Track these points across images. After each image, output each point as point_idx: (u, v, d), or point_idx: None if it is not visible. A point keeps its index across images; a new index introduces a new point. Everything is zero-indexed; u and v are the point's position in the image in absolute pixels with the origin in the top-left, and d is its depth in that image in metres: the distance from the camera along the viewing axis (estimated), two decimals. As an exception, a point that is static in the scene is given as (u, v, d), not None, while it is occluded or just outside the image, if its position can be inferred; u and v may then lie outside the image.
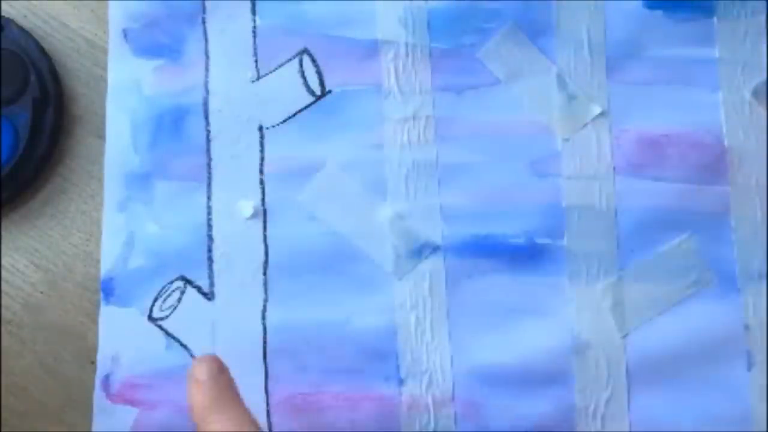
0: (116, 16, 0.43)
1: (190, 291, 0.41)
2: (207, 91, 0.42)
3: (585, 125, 0.42)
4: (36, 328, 0.42)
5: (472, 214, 0.41)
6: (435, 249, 0.41)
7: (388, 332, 0.40)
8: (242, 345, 0.40)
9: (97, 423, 0.40)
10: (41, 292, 0.42)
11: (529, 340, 0.40)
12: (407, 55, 0.43)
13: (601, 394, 0.40)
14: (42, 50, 0.42)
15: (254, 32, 0.43)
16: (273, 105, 0.42)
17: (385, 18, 0.43)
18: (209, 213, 0.41)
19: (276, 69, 0.43)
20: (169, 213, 0.42)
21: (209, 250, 0.41)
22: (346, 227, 0.41)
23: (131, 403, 0.40)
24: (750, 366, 0.40)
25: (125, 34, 0.43)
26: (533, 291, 0.41)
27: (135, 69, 0.43)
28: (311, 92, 0.42)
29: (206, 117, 0.42)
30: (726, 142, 0.42)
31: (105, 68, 0.43)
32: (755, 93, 0.42)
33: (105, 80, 0.43)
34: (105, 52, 0.43)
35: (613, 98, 0.42)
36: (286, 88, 0.42)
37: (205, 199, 0.42)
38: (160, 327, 0.41)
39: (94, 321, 0.41)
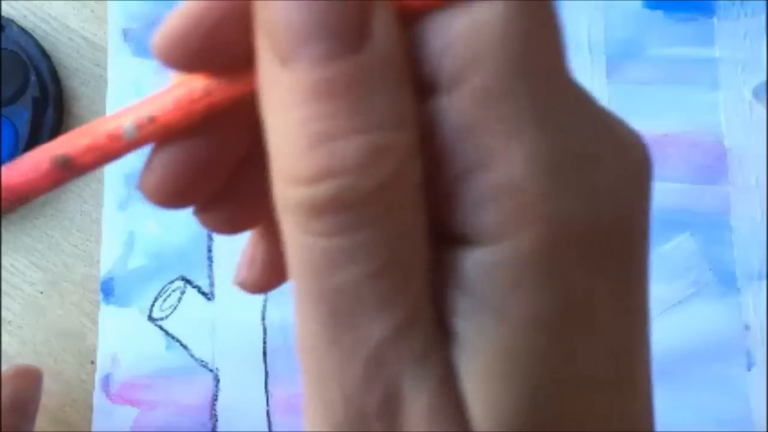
0: (116, 16, 0.43)
1: (190, 291, 0.41)
2: (207, 91, 0.42)
3: (585, 125, 0.42)
4: (36, 328, 0.41)
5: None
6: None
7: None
8: (242, 345, 0.40)
9: (97, 423, 0.40)
10: (41, 292, 0.42)
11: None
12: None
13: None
14: (42, 50, 0.42)
15: (254, 32, 0.43)
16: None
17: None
18: (209, 213, 0.41)
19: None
20: (169, 213, 0.41)
21: (209, 250, 0.41)
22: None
23: (131, 403, 0.40)
24: (750, 366, 0.40)
25: (125, 34, 0.43)
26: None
27: (135, 69, 0.43)
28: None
29: (206, 117, 0.42)
30: (726, 142, 0.42)
31: (105, 68, 0.43)
32: (755, 93, 0.42)
33: (105, 80, 0.43)
34: (105, 52, 0.43)
35: (613, 98, 0.42)
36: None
37: (205, 199, 0.41)
38: (160, 327, 0.41)
39: (94, 321, 0.41)
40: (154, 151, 0.18)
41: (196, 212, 0.19)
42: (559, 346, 0.14)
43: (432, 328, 0.14)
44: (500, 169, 0.13)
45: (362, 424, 0.14)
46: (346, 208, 0.13)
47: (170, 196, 0.18)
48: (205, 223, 0.20)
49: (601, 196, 0.14)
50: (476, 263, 0.13)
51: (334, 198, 0.13)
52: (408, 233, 0.13)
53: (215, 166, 0.18)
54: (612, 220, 0.14)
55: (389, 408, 0.13)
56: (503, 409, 0.14)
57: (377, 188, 0.13)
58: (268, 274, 0.20)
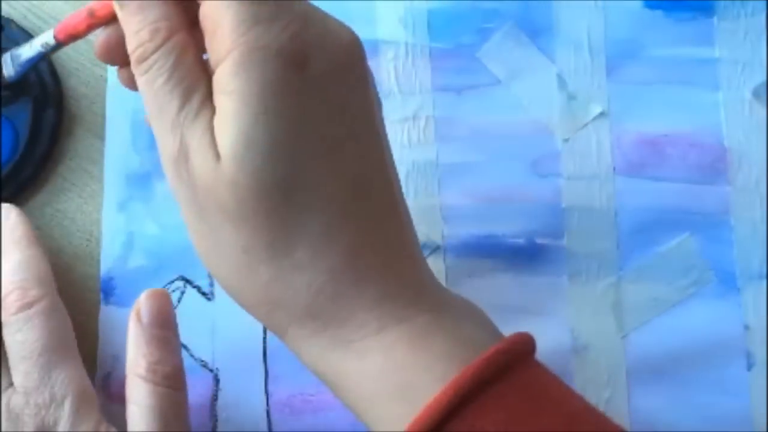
0: (116, 16, 0.43)
1: (190, 291, 0.41)
2: (207, 91, 0.42)
3: (585, 125, 0.42)
4: (36, 328, 0.41)
5: (472, 214, 0.41)
6: (435, 249, 0.41)
7: (388, 332, 0.40)
8: (242, 345, 0.40)
9: (97, 423, 0.40)
10: (41, 292, 0.42)
11: (529, 340, 0.40)
12: (407, 55, 0.43)
13: (600, 395, 0.40)
14: (42, 50, 0.42)
15: (254, 32, 0.43)
16: (273, 105, 0.42)
17: (385, 18, 0.43)
18: (209, 213, 0.41)
19: (276, 69, 0.43)
20: (169, 213, 0.42)
21: (209, 250, 0.41)
22: (346, 227, 0.41)
23: (131, 403, 0.40)
24: (750, 366, 0.40)
25: (125, 34, 0.43)
26: (533, 291, 0.41)
27: (135, 69, 0.43)
28: (311, 92, 0.42)
29: (206, 117, 0.42)
30: (726, 142, 0.42)
31: (105, 68, 0.43)
32: (755, 93, 0.42)
33: (105, 80, 0.43)
34: (105, 52, 0.43)
35: (613, 98, 0.42)
36: (286, 88, 0.42)
37: (205, 199, 0.41)
38: (160, 327, 0.41)
39: (94, 321, 0.41)
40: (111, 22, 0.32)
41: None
42: (264, 112, 0.27)
43: (202, 107, 0.28)
44: (222, 31, 0.28)
45: (173, 160, 0.29)
46: (147, 56, 0.29)
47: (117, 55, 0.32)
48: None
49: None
50: (221, 70, 0.28)
51: (142, 54, 0.29)
52: (180, 63, 0.29)
53: None
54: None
55: (182, 148, 0.28)
56: (236, 146, 0.27)
57: (159, 45, 0.29)
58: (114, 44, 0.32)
